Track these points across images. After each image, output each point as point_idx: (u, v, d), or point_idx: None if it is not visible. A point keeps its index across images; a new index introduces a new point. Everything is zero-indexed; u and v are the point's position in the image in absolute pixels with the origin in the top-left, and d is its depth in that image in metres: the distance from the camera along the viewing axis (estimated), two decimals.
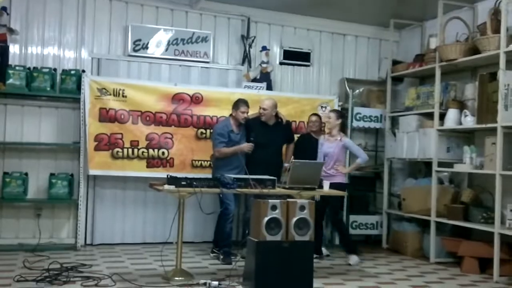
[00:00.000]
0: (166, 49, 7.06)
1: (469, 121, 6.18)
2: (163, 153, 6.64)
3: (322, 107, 7.26)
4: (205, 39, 7.22)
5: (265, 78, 7.37)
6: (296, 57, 7.75)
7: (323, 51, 7.98)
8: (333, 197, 6.13)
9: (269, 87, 7.32)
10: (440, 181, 6.72)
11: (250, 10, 7.46)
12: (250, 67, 7.46)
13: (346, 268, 6.03)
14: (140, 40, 6.94)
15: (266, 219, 4.68)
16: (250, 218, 5.27)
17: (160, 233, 6.77)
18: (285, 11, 7.57)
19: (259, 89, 7.12)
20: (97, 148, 6.40)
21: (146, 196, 6.91)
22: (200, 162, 6.76)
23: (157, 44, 7.02)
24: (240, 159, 6.02)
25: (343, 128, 6.50)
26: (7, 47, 6.35)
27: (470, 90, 6.41)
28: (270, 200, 4.76)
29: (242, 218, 6.88)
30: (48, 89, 6.38)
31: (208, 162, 6.67)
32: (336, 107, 7.32)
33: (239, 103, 6.14)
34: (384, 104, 7.70)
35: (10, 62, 6.36)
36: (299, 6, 7.34)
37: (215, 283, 4.84)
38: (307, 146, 6.59)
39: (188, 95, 6.76)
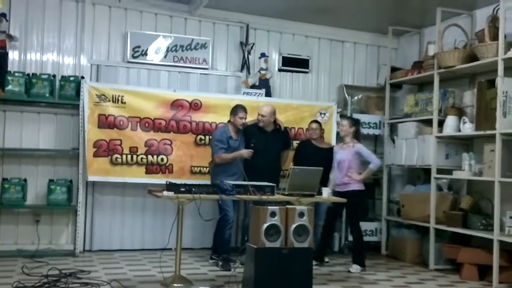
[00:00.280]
0: (165, 56, 7.07)
1: (467, 128, 6.19)
2: (162, 159, 6.64)
3: (321, 113, 7.27)
4: (204, 46, 7.24)
5: (264, 84, 7.38)
6: (295, 64, 7.77)
7: (322, 58, 8.00)
8: (350, 205, 6.18)
9: (268, 94, 7.33)
10: (439, 188, 6.72)
11: (249, 17, 7.49)
12: (249, 73, 7.47)
13: (345, 275, 6.02)
14: (139, 46, 6.96)
15: (265, 225, 4.68)
16: (249, 225, 5.27)
17: (159, 239, 6.76)
18: (283, 18, 7.59)
19: (258, 95, 7.13)
20: (96, 154, 6.40)
21: (145, 202, 6.90)
22: (199, 168, 6.76)
23: (156, 51, 7.03)
24: (239, 165, 6.02)
25: (357, 136, 6.47)
26: (6, 54, 6.36)
27: (469, 97, 6.42)
28: (269, 207, 4.76)
29: (241, 225, 6.87)
30: (47, 95, 6.39)
31: (207, 169, 6.66)
32: (335, 114, 7.34)
33: (237, 109, 6.15)
34: (382, 111, 7.72)
35: (9, 69, 6.36)
36: (298, 13, 7.36)
37: None
38: (307, 153, 6.60)
39: (187, 101, 6.76)
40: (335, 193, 6.13)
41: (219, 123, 6.72)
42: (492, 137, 5.69)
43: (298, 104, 7.33)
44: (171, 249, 5.70)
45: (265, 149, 6.21)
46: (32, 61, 6.61)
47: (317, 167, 5.57)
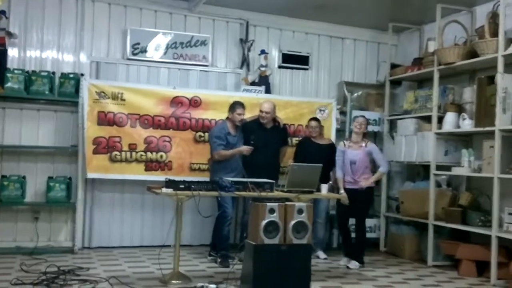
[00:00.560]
0: (165, 53, 7.07)
1: (467, 125, 6.19)
2: (161, 156, 6.64)
3: (320, 110, 7.27)
4: (203, 43, 7.23)
5: (263, 81, 7.38)
6: (294, 61, 7.76)
7: (322, 55, 7.99)
8: (360, 203, 6.21)
9: (268, 91, 7.33)
10: (438, 184, 6.72)
11: (249, 13, 7.48)
12: (249, 70, 7.47)
13: (344, 271, 6.03)
14: (139, 43, 6.95)
15: (264, 222, 4.69)
16: (248, 221, 5.28)
17: (158, 236, 6.77)
18: (283, 15, 7.58)
19: (257, 92, 7.13)
20: (95, 152, 6.40)
21: (144, 199, 6.91)
22: (198, 165, 6.76)
23: (156, 48, 7.03)
24: (238, 162, 6.03)
25: (364, 134, 6.49)
26: (6, 51, 6.36)
27: (468, 94, 6.42)
28: (268, 203, 4.76)
29: (240, 221, 6.88)
30: (47, 92, 6.39)
31: (207, 166, 6.67)
32: (335, 111, 7.34)
33: (235, 105, 6.15)
34: (382, 108, 7.71)
35: (8, 66, 6.36)
36: (298, 10, 7.35)
37: (213, 286, 4.84)
38: (307, 150, 6.59)
39: (187, 98, 6.76)
40: (346, 191, 6.18)
41: (219, 120, 6.72)
42: (492, 133, 5.68)
43: (298, 101, 7.32)
44: (170, 245, 5.71)
45: (264, 145, 6.21)
46: (31, 58, 6.61)
47: (316, 164, 5.58)
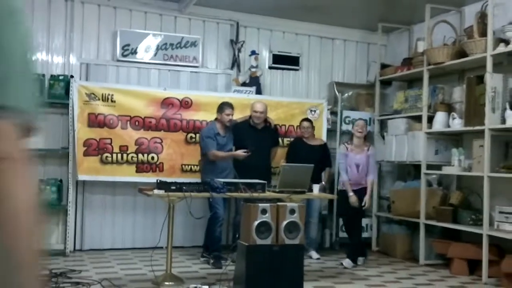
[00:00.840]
0: (155, 54, 7.05)
1: (457, 124, 6.23)
2: (152, 158, 6.63)
3: (311, 111, 7.29)
4: (194, 44, 7.22)
5: (254, 82, 7.38)
6: (285, 61, 7.77)
7: (312, 55, 8.01)
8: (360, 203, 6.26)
9: (259, 91, 7.34)
10: (429, 184, 6.76)
11: (239, 14, 7.48)
12: (240, 71, 7.47)
13: (336, 271, 6.04)
14: (129, 45, 6.93)
15: (256, 223, 4.69)
16: (240, 222, 5.28)
17: (150, 238, 6.73)
18: (273, 16, 7.58)
19: (248, 93, 7.13)
20: (86, 154, 6.37)
21: (136, 201, 6.89)
22: (189, 166, 6.75)
23: (146, 49, 7.01)
24: (229, 163, 6.03)
25: (365, 137, 6.53)
26: None
27: (458, 93, 6.46)
28: (260, 204, 4.76)
29: (232, 222, 6.87)
30: None
31: (198, 167, 6.66)
32: (326, 111, 7.35)
33: (223, 106, 6.16)
34: (372, 108, 7.74)
35: None
36: (288, 11, 7.36)
37: (206, 287, 4.83)
38: (299, 151, 6.60)
39: (178, 99, 6.75)
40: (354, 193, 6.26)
41: (210, 121, 6.71)
42: (481, 132, 5.72)
43: (289, 101, 7.34)
44: (162, 247, 5.69)
45: (256, 146, 6.21)
46: None
47: (307, 164, 5.59)
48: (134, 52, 6.95)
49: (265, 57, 7.73)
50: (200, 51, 7.26)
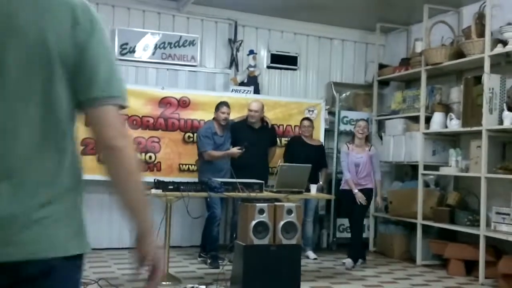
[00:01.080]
0: (153, 53, 7.04)
1: (454, 125, 6.23)
2: (150, 157, 6.62)
3: (309, 110, 7.28)
4: (192, 43, 7.22)
5: (252, 81, 7.38)
6: (283, 61, 7.76)
7: (310, 55, 8.01)
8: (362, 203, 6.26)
9: (257, 91, 7.33)
10: (426, 184, 6.77)
11: (237, 14, 7.47)
12: (238, 70, 7.46)
13: (333, 271, 6.04)
14: (127, 44, 6.92)
15: (253, 222, 4.69)
16: (238, 222, 5.28)
17: None
18: (272, 15, 7.58)
19: (246, 92, 7.13)
20: (83, 153, 6.34)
21: None
22: (187, 166, 6.75)
23: (144, 48, 7.00)
24: (226, 162, 6.03)
25: (366, 137, 6.55)
26: None
27: (456, 94, 6.47)
28: (257, 204, 4.76)
29: (230, 222, 6.87)
30: None
31: (196, 166, 6.65)
32: (323, 111, 7.36)
33: (219, 105, 6.19)
34: (370, 108, 7.75)
35: None
36: (286, 10, 7.36)
37: (203, 287, 4.83)
38: (297, 150, 6.60)
39: (176, 99, 6.74)
40: (351, 193, 6.25)
41: (207, 121, 6.71)
42: (479, 133, 5.73)
43: (287, 101, 7.33)
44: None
45: (253, 146, 6.20)
46: None
47: (305, 164, 5.59)
48: (132, 50, 6.94)
49: (263, 57, 7.72)
50: (198, 50, 7.25)
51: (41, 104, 1.37)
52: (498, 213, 5.65)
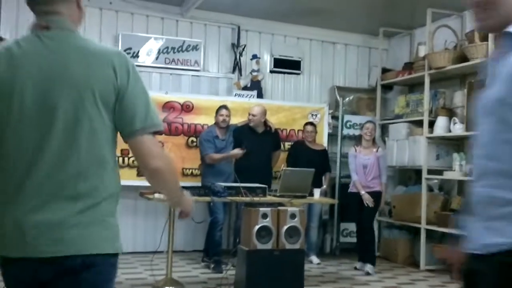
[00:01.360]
0: (157, 58, 7.06)
1: (458, 129, 6.22)
2: None
3: (312, 115, 7.28)
4: (195, 48, 7.23)
5: (255, 86, 7.38)
6: (286, 65, 7.77)
7: (313, 60, 8.01)
8: (371, 206, 6.24)
9: (260, 95, 7.34)
10: (430, 189, 6.75)
11: (241, 18, 7.49)
12: (241, 75, 7.47)
13: (336, 276, 6.03)
14: (130, 48, 6.94)
15: (256, 227, 4.69)
16: (241, 226, 5.27)
17: (151, 242, 6.73)
18: (275, 20, 7.59)
19: (249, 97, 7.13)
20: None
21: (137, 205, 6.87)
22: (190, 170, 6.75)
23: (148, 53, 7.02)
24: (229, 166, 6.03)
25: (373, 139, 6.54)
26: None
27: (459, 98, 6.46)
28: (260, 208, 4.76)
29: (233, 226, 6.86)
30: None
31: (199, 171, 6.65)
32: (327, 115, 7.35)
33: (218, 108, 6.24)
34: (374, 112, 7.74)
35: None
36: (289, 15, 7.37)
37: None
38: (300, 154, 6.59)
39: (179, 103, 6.75)
40: (359, 195, 6.25)
41: (210, 125, 6.72)
42: None
43: (290, 105, 7.34)
44: (162, 251, 5.68)
45: (256, 150, 6.20)
46: None
47: (308, 169, 5.58)
48: (136, 55, 6.96)
49: (267, 61, 7.73)
50: (202, 55, 7.27)
51: (88, 137, 1.72)
52: None
